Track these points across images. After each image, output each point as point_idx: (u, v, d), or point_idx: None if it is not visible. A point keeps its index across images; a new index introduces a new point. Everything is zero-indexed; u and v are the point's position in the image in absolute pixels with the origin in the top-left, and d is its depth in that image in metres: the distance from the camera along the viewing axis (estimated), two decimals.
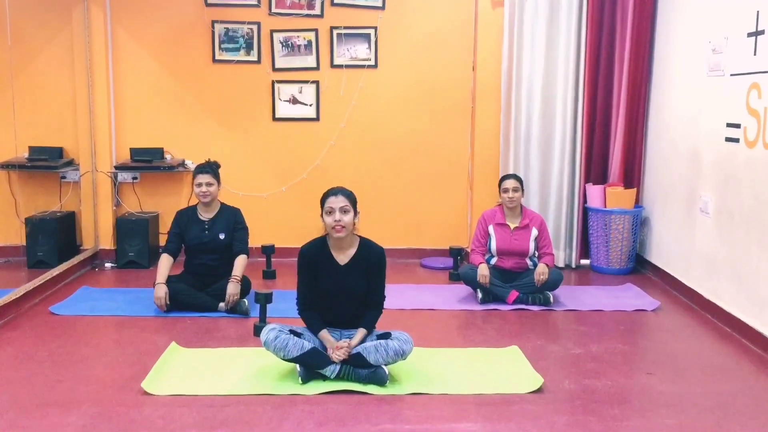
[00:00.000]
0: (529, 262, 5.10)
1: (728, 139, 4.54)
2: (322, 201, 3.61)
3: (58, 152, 6.03)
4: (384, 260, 3.70)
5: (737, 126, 4.43)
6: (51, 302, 4.84)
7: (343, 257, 3.67)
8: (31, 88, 6.00)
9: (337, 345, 3.54)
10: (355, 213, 3.62)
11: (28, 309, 4.71)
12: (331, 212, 3.56)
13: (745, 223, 4.33)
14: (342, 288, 3.63)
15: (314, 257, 3.66)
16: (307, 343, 3.50)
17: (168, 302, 4.62)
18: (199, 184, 4.79)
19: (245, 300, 4.72)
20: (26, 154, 5.97)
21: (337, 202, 3.56)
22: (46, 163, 5.92)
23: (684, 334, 4.46)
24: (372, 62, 6.15)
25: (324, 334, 3.62)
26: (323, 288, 3.66)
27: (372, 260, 3.65)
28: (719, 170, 4.68)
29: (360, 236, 3.72)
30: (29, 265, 5.78)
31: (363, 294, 3.66)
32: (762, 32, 4.17)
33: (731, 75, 4.53)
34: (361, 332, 3.64)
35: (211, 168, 4.84)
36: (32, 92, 6.00)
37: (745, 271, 4.33)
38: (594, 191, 5.93)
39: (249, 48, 6.11)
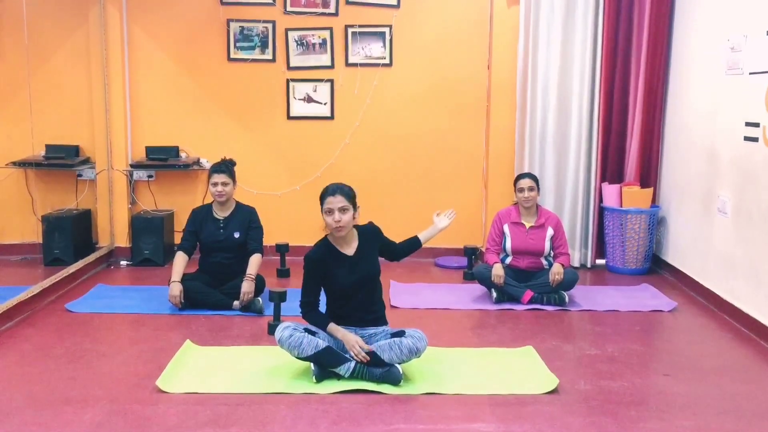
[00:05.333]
0: (545, 262, 5.07)
1: (747, 138, 4.49)
2: (321, 199, 3.62)
3: (75, 150, 6.07)
4: (379, 229, 3.86)
5: (756, 125, 4.38)
6: (67, 299, 4.87)
7: (349, 250, 3.70)
8: (47, 87, 6.03)
9: (358, 345, 3.52)
10: (355, 208, 3.64)
11: (44, 306, 4.74)
12: (330, 212, 3.57)
13: (764, 223, 4.28)
14: (357, 277, 3.64)
15: (322, 260, 3.66)
16: (321, 342, 3.49)
17: (183, 300, 4.63)
18: (215, 184, 4.79)
19: (259, 298, 4.73)
20: (43, 153, 6.02)
21: (336, 202, 3.56)
22: (63, 161, 5.96)
23: (701, 335, 4.42)
24: (387, 61, 6.14)
25: (333, 327, 3.61)
26: (339, 285, 3.66)
27: (374, 240, 3.79)
28: (737, 169, 4.63)
29: (355, 226, 3.74)
30: (45, 263, 5.82)
31: (376, 277, 3.71)
32: None
33: (750, 73, 4.48)
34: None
35: (226, 167, 4.84)
36: (49, 91, 6.04)
37: (764, 272, 4.28)
38: (610, 190, 5.89)
39: (264, 46, 6.12)
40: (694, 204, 5.30)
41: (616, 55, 5.90)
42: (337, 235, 3.62)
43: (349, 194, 3.62)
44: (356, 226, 3.76)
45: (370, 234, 3.79)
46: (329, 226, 3.60)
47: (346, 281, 3.65)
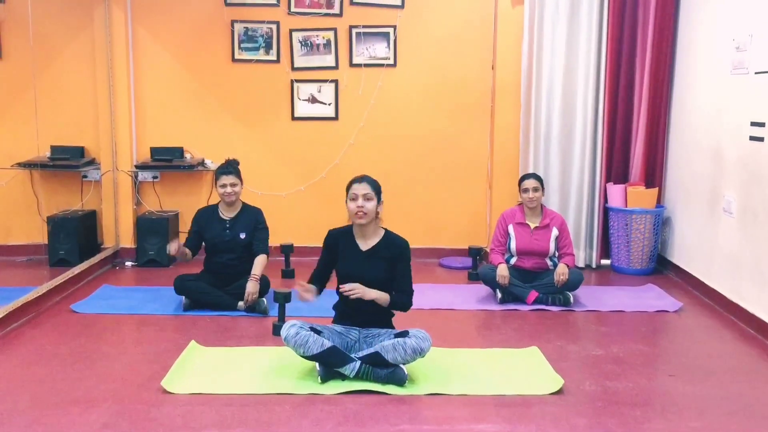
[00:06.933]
0: (549, 263, 5.06)
1: (752, 138, 4.48)
2: (348, 187, 3.69)
3: (80, 151, 6.08)
4: (407, 252, 3.72)
5: (762, 125, 4.36)
6: (72, 300, 4.88)
7: (365, 245, 3.70)
8: (52, 88, 6.05)
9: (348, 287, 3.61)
10: (379, 201, 3.66)
11: (49, 307, 4.75)
12: (354, 198, 3.62)
13: None
14: (361, 274, 3.64)
15: (338, 239, 3.74)
16: (327, 342, 3.50)
17: (180, 248, 4.61)
18: (224, 185, 4.79)
19: (264, 299, 4.73)
20: (48, 154, 6.03)
21: (361, 189, 3.62)
22: (68, 162, 5.97)
23: (706, 335, 4.41)
24: (391, 61, 6.14)
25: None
26: (343, 274, 3.70)
27: (394, 251, 3.68)
28: (743, 169, 4.62)
29: (385, 228, 3.75)
30: (51, 264, 5.83)
31: (382, 283, 3.66)
32: None
33: (756, 73, 4.47)
34: (384, 294, 3.63)
35: (233, 168, 4.85)
36: (54, 92, 6.06)
37: None
38: (615, 190, 5.88)
39: (268, 47, 6.12)
40: (700, 204, 5.29)
41: (620, 54, 5.88)
42: (358, 222, 3.64)
43: (375, 184, 3.67)
44: (387, 231, 3.75)
45: (394, 245, 3.70)
46: (351, 212, 3.64)
47: (351, 273, 3.66)
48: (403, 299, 3.71)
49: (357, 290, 3.58)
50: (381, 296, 3.63)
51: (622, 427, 3.10)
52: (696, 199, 5.37)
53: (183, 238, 5.75)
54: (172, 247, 4.61)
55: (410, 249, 3.75)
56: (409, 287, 3.73)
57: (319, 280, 3.79)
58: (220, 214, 4.90)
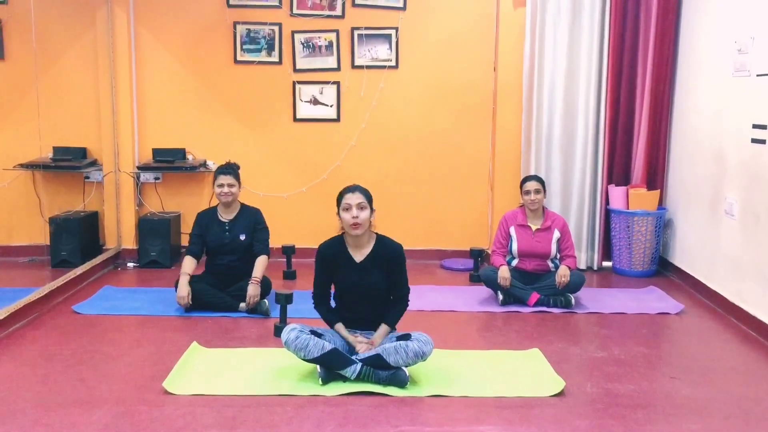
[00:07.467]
0: (551, 264, 5.06)
1: (754, 141, 4.48)
2: (339, 198, 3.67)
3: (82, 152, 6.09)
4: (402, 255, 3.72)
5: (763, 127, 4.36)
6: (74, 301, 4.89)
7: (359, 255, 3.69)
8: (55, 89, 6.07)
9: (357, 340, 3.64)
10: (372, 210, 3.64)
11: (51, 308, 4.75)
12: (348, 209, 3.59)
13: None
14: (360, 285, 3.66)
15: (331, 255, 3.70)
16: (327, 344, 3.49)
17: (190, 302, 4.64)
18: (221, 185, 4.80)
19: (266, 300, 4.74)
20: (50, 155, 6.04)
21: (354, 198, 3.59)
22: (70, 163, 5.98)
23: (708, 337, 4.40)
24: (393, 63, 6.14)
25: (339, 327, 3.70)
26: (341, 286, 3.71)
27: (390, 256, 3.68)
28: (744, 172, 4.62)
29: (377, 234, 3.75)
30: (53, 265, 5.84)
31: (382, 290, 3.68)
32: None
33: (757, 75, 4.47)
34: (383, 329, 3.68)
35: (232, 169, 4.86)
36: (56, 93, 6.07)
37: None
38: (616, 193, 5.88)
39: (270, 49, 6.13)
40: (701, 206, 5.29)
41: (622, 56, 5.89)
42: (353, 233, 3.61)
43: (367, 194, 3.65)
44: (379, 236, 3.74)
45: (389, 251, 3.69)
46: (346, 223, 3.60)
47: (348, 285, 3.68)
48: (399, 313, 3.74)
49: (364, 346, 3.60)
50: (385, 331, 3.68)
51: (623, 429, 3.10)
52: (698, 202, 5.37)
53: (184, 239, 5.78)
54: (182, 301, 4.63)
55: (404, 251, 3.75)
56: (405, 288, 3.75)
57: (326, 298, 3.78)
58: (219, 216, 4.90)
